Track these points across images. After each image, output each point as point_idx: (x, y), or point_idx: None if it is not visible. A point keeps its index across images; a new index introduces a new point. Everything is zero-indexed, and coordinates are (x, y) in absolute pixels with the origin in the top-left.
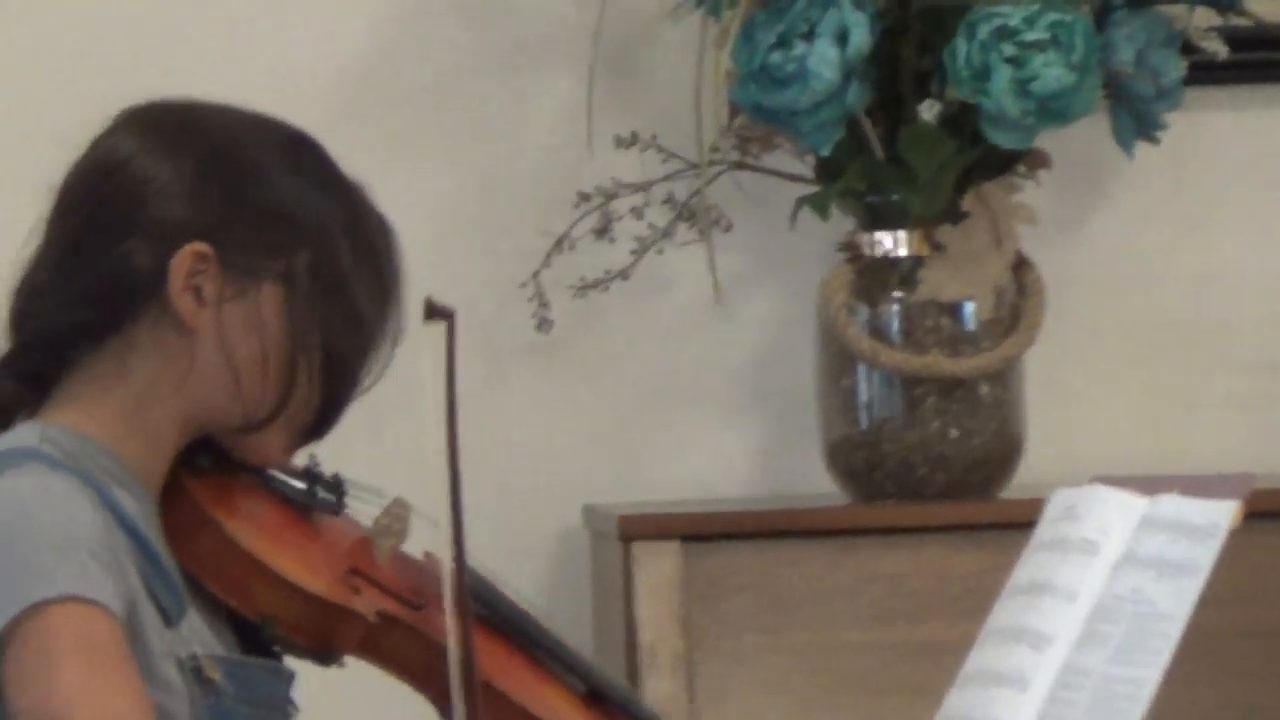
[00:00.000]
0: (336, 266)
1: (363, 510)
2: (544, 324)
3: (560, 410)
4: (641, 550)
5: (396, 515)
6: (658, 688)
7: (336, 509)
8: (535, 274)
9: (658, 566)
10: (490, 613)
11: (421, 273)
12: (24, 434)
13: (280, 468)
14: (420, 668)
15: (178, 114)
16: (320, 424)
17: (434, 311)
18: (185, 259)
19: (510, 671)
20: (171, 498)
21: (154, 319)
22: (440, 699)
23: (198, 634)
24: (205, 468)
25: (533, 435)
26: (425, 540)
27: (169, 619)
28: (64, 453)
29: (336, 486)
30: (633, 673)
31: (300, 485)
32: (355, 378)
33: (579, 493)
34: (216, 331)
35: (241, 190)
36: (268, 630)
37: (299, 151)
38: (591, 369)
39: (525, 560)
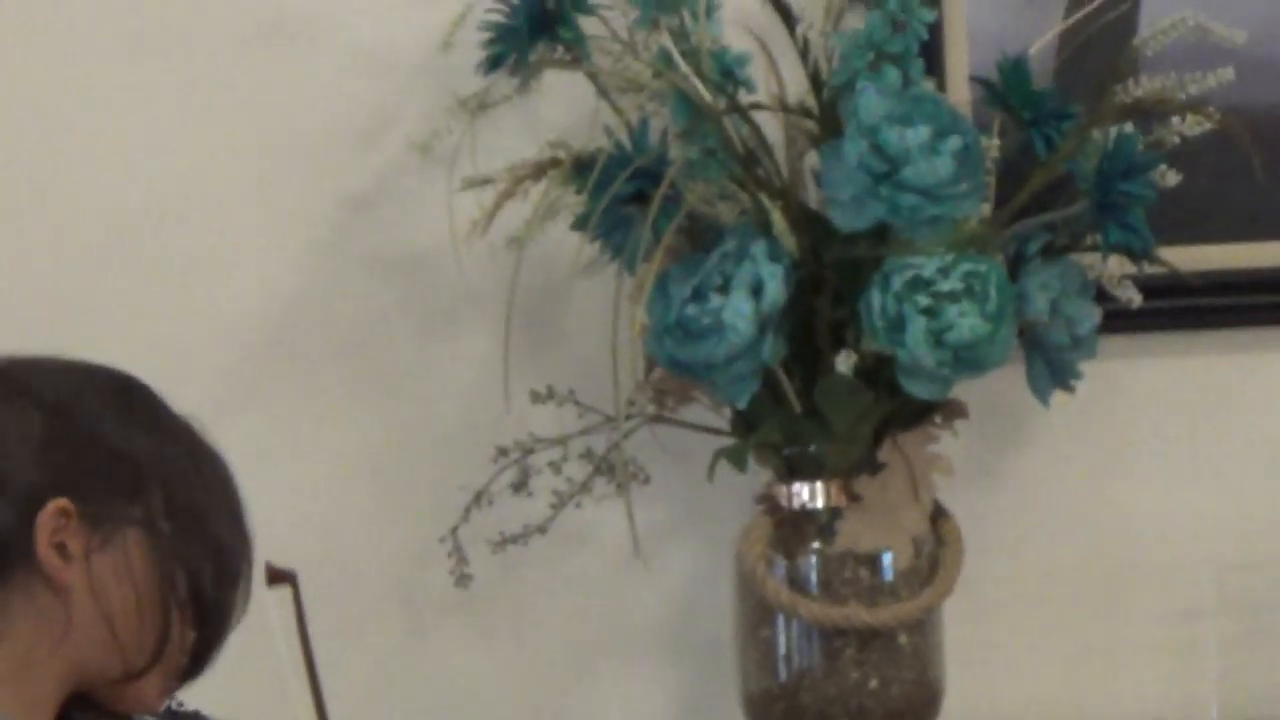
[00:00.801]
0: (189, 502)
1: None
2: (462, 579)
3: (479, 664)
4: None
5: None
6: None
7: None
8: (454, 529)
9: None
10: None
11: (338, 529)
12: None
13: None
14: None
15: (5, 374)
16: (196, 664)
17: (276, 576)
18: (48, 517)
19: None
20: None
21: (21, 581)
22: None
23: None
24: None
25: (452, 689)
26: None
27: None
28: None
29: (193, 715)
30: None
31: None
32: (227, 611)
33: None
34: (87, 585)
35: (86, 442)
36: None
37: (130, 396)
38: (510, 623)
39: None
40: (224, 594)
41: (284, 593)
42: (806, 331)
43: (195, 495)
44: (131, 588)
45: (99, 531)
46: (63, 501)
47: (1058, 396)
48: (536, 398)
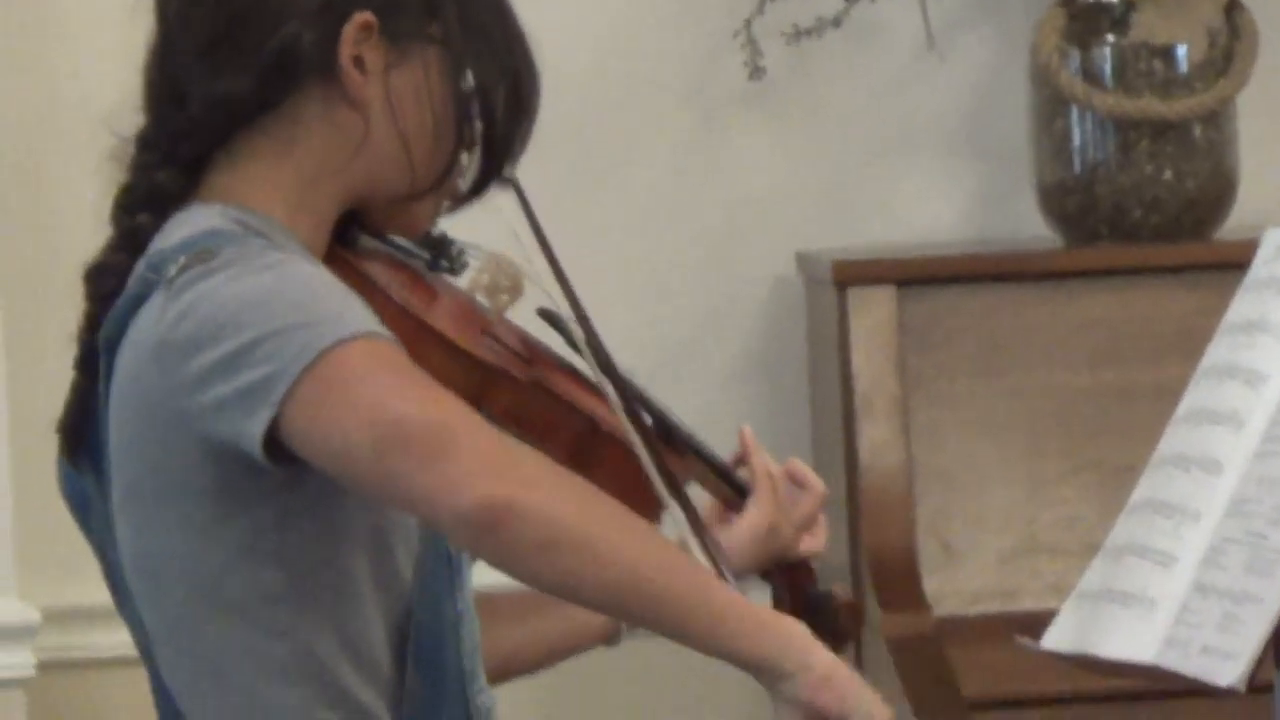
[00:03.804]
0: (486, 22)
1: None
2: (756, 72)
3: (773, 158)
4: (857, 296)
5: (506, 271)
6: (873, 433)
7: (456, 270)
8: (748, 21)
9: (873, 312)
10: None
11: (632, 25)
12: (206, 216)
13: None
14: (545, 426)
15: None
16: (473, 190)
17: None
18: (352, 30)
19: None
20: (335, 276)
21: (319, 94)
22: (565, 460)
23: None
24: (354, 239)
25: (746, 183)
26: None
27: None
28: (259, 232)
29: (450, 246)
30: (849, 419)
31: (423, 250)
32: (513, 139)
33: (793, 240)
34: (384, 102)
35: None
36: None
37: None
38: (805, 116)
39: (740, 309)
40: (513, 120)
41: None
42: None
43: (489, 16)
44: (428, 106)
45: (398, 47)
46: (367, 15)
47: None
48: None
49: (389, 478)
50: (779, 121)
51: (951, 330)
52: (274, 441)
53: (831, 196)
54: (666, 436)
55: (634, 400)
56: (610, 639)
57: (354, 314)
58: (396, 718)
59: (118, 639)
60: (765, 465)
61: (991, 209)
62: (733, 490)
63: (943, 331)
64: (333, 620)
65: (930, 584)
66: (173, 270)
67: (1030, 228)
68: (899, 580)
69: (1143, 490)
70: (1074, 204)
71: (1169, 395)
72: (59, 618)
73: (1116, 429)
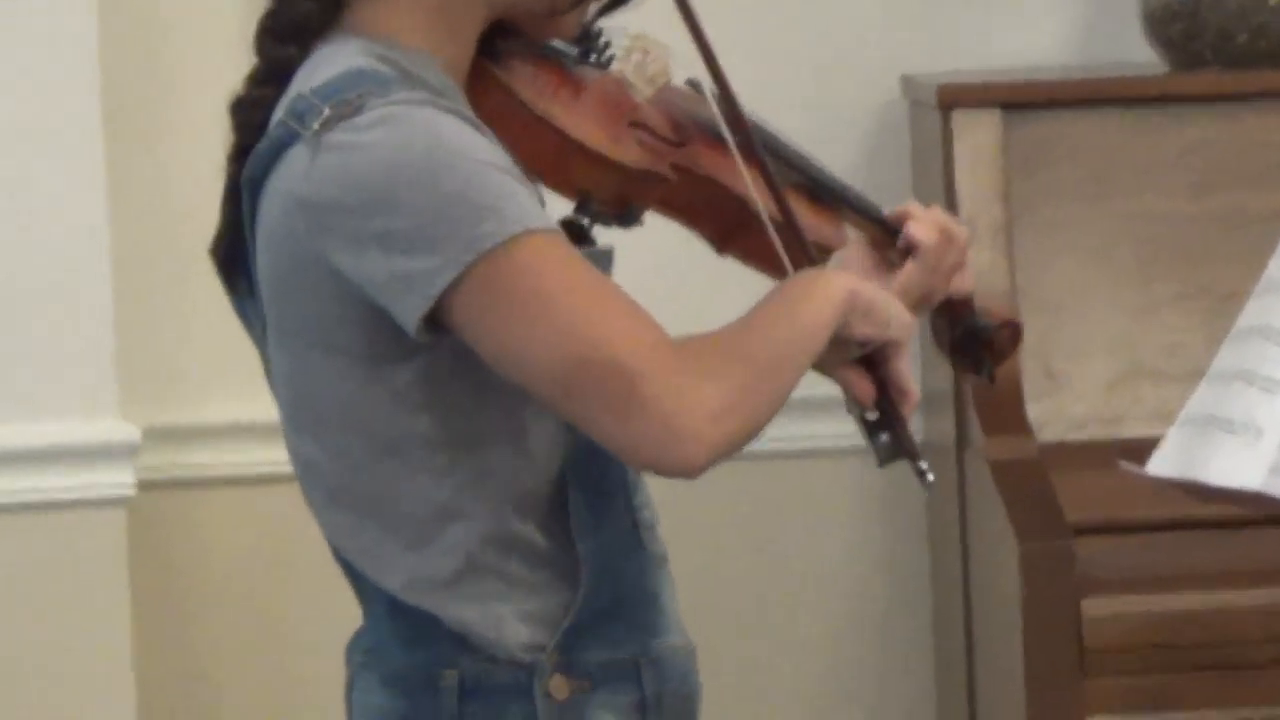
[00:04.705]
0: None
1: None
2: None
3: None
4: (961, 119)
5: (653, 55)
6: (978, 258)
7: (604, 62)
8: None
9: (978, 135)
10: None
11: None
12: (349, 53)
13: None
14: (695, 210)
15: None
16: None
17: None
18: None
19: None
20: (479, 91)
21: None
22: (717, 236)
23: None
24: (501, 51)
25: (852, 5)
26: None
27: None
28: (403, 71)
29: (597, 38)
30: None
31: (570, 46)
32: None
33: (898, 63)
34: None
35: None
36: (586, 206)
37: None
38: None
39: (844, 132)
40: None
41: None
42: None
43: None
44: None
45: None
46: None
47: None
48: None
49: (570, 408)
50: None
51: (1056, 155)
52: (430, 319)
53: (937, 19)
54: (816, 195)
55: (781, 167)
56: None
57: (514, 204)
58: (554, 546)
59: (217, 458)
60: (934, 229)
61: (1097, 33)
62: (895, 248)
63: (1048, 156)
64: (491, 461)
65: (1034, 410)
66: (316, 123)
67: (1136, 52)
68: (1003, 405)
69: (1250, 317)
70: (1179, 28)
71: (1275, 221)
72: (160, 437)
73: (1221, 255)
